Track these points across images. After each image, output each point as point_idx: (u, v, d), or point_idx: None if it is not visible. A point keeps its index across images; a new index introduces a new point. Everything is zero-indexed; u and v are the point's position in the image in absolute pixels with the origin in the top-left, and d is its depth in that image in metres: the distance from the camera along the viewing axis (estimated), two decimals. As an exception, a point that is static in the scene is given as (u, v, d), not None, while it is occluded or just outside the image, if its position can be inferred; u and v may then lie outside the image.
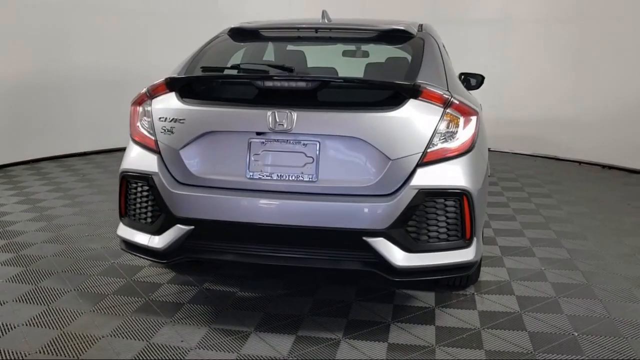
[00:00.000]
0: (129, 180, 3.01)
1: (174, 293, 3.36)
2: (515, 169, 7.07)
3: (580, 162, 7.52)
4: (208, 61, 3.23)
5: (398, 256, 2.67)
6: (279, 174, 2.79)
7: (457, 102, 2.79)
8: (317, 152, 2.76)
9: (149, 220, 2.95)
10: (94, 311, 3.10)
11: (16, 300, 3.20)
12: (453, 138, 2.76)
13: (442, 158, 2.74)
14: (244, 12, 8.60)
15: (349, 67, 3.98)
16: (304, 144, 2.77)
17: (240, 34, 3.54)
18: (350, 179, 2.76)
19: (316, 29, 3.47)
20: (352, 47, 4.43)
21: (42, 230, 4.43)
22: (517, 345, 2.80)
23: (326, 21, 3.66)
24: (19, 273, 3.58)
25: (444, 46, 3.57)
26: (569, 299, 3.32)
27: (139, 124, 3.03)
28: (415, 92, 2.74)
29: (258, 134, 2.79)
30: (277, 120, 2.73)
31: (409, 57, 3.36)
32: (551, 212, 5.14)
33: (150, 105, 2.99)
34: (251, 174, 2.81)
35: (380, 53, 4.12)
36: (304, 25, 3.53)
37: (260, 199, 2.77)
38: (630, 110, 7.00)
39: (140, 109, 3.04)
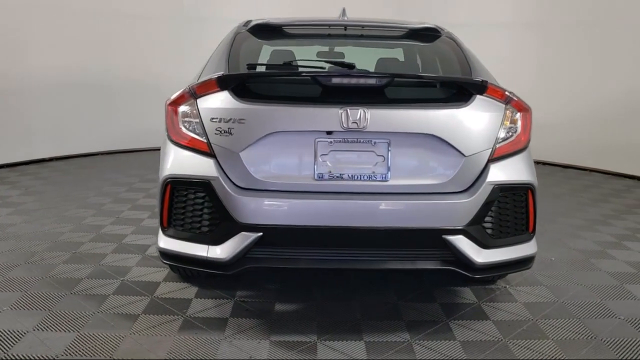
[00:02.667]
0: (176, 186, 2.75)
1: (210, 308, 3.11)
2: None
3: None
4: (247, 59, 3.04)
5: (477, 253, 2.67)
6: (350, 174, 2.69)
7: (516, 99, 2.84)
8: (388, 150, 2.69)
9: (205, 229, 2.71)
10: (134, 334, 2.79)
11: (38, 329, 2.80)
12: (514, 134, 2.81)
13: (508, 154, 2.78)
14: (211, 15, 8.41)
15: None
16: (373, 143, 2.69)
17: (264, 31, 3.37)
18: (422, 176, 2.71)
19: (345, 27, 3.39)
20: (325, 49, 4.38)
21: (15, 250, 3.93)
22: (578, 332, 2.90)
23: (345, 19, 3.59)
24: (20, 298, 3.14)
25: None
26: (597, 285, 3.51)
27: (181, 125, 2.78)
28: (482, 89, 2.76)
29: (328, 133, 2.66)
30: (350, 118, 2.62)
31: (435, 55, 3.39)
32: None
33: (195, 105, 2.76)
34: (319, 175, 2.68)
35: (363, 54, 4.10)
36: (334, 22, 3.43)
37: (333, 200, 2.64)
38: (565, 114, 7.55)
39: (181, 109, 2.79)
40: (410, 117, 2.69)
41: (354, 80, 2.70)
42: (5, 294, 3.19)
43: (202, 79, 2.88)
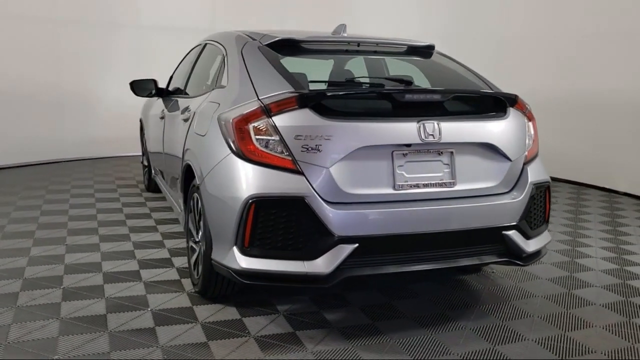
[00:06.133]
0: (262, 205, 2.71)
1: (267, 325, 3.08)
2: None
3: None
4: (299, 75, 3.10)
5: (525, 244, 3.11)
6: (423, 183, 2.93)
7: (529, 110, 3.35)
8: (453, 159, 2.99)
9: (298, 245, 2.73)
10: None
11: (120, 373, 2.55)
12: (531, 140, 3.31)
13: (532, 157, 3.29)
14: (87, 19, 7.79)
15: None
16: (440, 152, 2.97)
17: (287, 46, 3.41)
18: (479, 180, 3.07)
19: (358, 43, 3.59)
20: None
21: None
22: (583, 303, 3.52)
23: (345, 35, 3.78)
24: (56, 345, 2.76)
25: None
26: (557, 262, 4.21)
27: (256, 143, 2.76)
28: (514, 102, 3.20)
29: (407, 145, 2.87)
30: (427, 131, 2.87)
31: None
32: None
33: (271, 122, 2.76)
34: (398, 185, 2.88)
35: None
36: (351, 39, 3.60)
37: (413, 208, 2.85)
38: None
39: (254, 126, 2.77)
40: (471, 128, 3.03)
41: (422, 96, 2.95)
42: (35, 343, 2.79)
43: (267, 97, 2.86)
